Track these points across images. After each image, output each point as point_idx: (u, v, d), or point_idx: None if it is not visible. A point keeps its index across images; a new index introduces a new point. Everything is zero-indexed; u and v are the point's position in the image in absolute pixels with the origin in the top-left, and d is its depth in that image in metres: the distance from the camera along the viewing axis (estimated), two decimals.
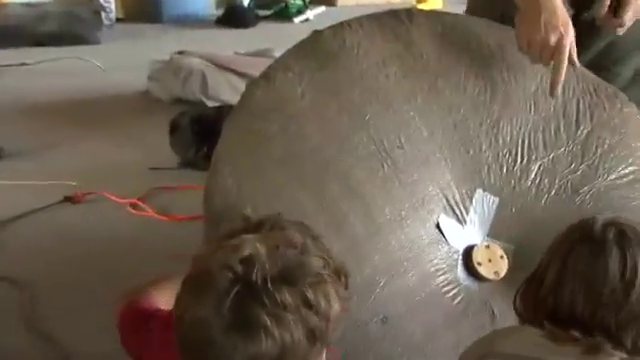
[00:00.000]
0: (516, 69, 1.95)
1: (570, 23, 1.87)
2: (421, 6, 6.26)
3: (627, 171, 1.95)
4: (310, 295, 1.21)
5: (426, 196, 1.82)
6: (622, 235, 1.39)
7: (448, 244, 1.81)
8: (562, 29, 1.85)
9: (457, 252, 1.82)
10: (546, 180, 1.91)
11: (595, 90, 1.99)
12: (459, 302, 1.78)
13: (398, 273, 1.75)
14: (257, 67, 2.22)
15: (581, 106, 1.97)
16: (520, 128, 1.92)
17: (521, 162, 1.91)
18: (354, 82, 1.84)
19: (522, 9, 1.89)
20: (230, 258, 1.22)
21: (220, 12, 6.52)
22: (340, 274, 1.27)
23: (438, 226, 1.81)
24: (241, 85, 3.69)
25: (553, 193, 1.91)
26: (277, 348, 1.19)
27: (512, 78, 1.95)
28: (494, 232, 1.88)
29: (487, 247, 1.86)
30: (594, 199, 1.90)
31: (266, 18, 6.59)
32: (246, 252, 1.22)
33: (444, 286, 1.81)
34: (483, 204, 1.86)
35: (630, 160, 1.91)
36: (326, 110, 1.81)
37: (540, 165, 1.91)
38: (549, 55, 1.86)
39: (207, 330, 1.21)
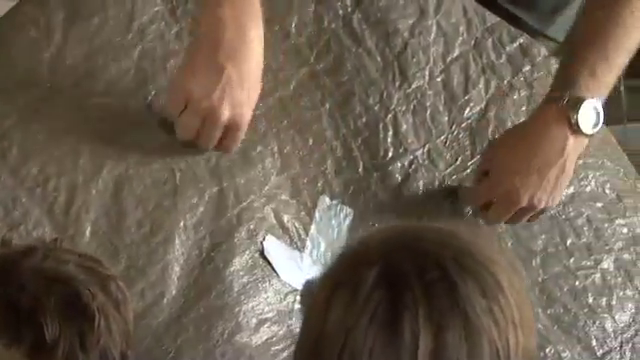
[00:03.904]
0: (373, 19, 1.58)
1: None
2: None
3: None
4: None
5: (244, 210, 1.45)
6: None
7: (279, 279, 1.47)
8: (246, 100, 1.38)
9: (293, 291, 1.49)
10: (421, 182, 1.56)
11: (495, 46, 1.64)
12: None
13: (199, 332, 1.38)
14: None
15: (472, 72, 1.61)
16: (379, 106, 1.57)
17: (384, 156, 1.54)
18: (129, 37, 1.47)
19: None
20: None
21: None
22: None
23: (262, 253, 1.47)
24: None
25: (432, 202, 1.60)
26: None
27: (367, 34, 1.58)
28: None
29: None
30: None
31: None
32: None
33: (273, 345, 1.44)
34: (331, 219, 1.53)
35: None
36: (91, 90, 1.44)
37: (411, 161, 1.55)
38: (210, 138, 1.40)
39: None
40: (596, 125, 1.46)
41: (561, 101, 1.45)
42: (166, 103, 1.39)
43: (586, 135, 1.46)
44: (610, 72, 1.47)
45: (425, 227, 1.20)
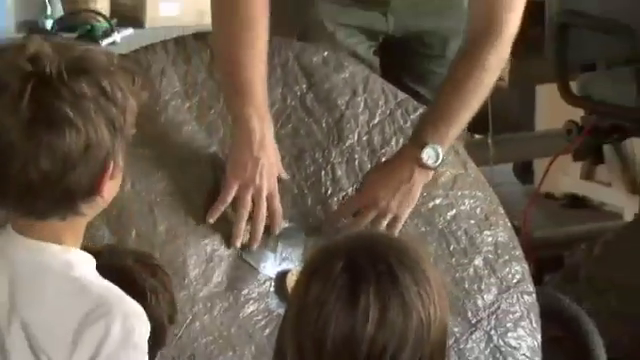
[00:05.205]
0: (321, 96, 1.86)
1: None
2: None
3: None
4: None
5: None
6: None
7: (259, 272, 1.77)
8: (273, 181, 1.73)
9: (269, 279, 1.77)
10: None
11: (403, 114, 1.90)
12: (270, 333, 1.70)
13: (206, 308, 1.71)
14: None
15: (387, 134, 1.89)
16: (322, 159, 1.85)
17: (325, 193, 1.84)
18: (157, 108, 1.76)
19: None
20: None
21: (20, 35, 6.17)
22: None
23: (245, 256, 1.77)
24: None
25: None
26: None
27: (316, 108, 1.86)
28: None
29: None
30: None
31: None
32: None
33: (254, 316, 1.74)
34: (291, 234, 1.83)
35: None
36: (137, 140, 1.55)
37: (344, 196, 1.85)
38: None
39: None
40: (436, 161, 1.75)
41: (412, 145, 1.76)
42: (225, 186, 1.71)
43: (429, 168, 1.75)
44: (450, 127, 1.77)
45: (378, 234, 1.43)
